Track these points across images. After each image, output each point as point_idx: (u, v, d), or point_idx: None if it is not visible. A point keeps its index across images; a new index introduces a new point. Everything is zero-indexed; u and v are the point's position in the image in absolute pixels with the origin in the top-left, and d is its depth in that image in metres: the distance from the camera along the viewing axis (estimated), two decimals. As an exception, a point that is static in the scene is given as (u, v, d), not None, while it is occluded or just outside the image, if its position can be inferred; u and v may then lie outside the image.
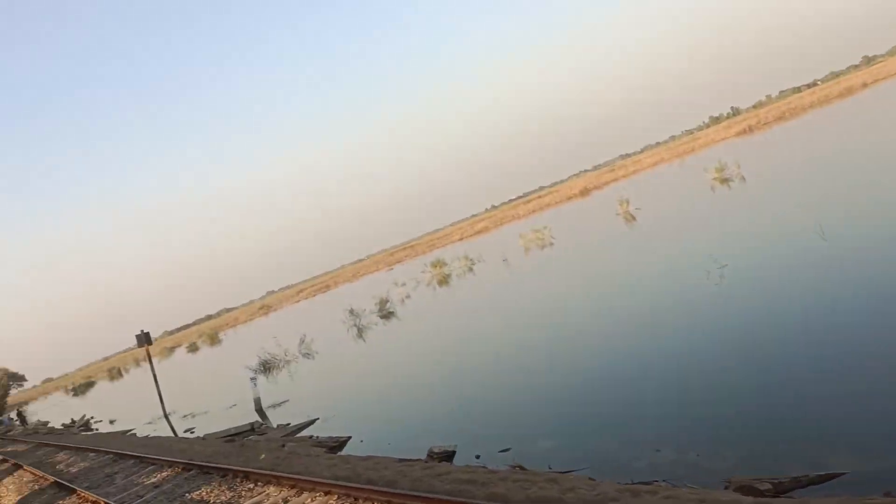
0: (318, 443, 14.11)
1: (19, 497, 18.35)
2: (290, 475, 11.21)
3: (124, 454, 20.41)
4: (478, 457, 10.18)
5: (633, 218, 42.51)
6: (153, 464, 17.60)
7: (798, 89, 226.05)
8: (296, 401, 21.90)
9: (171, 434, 25.67)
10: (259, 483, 12.02)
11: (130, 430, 29.83)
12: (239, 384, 31.35)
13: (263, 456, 13.42)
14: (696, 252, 21.82)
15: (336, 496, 9.74)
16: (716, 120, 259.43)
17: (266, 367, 33.68)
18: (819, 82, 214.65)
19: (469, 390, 15.17)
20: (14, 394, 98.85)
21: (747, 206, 28.69)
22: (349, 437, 14.22)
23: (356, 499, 9.21)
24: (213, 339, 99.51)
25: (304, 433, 16.75)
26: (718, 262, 17.92)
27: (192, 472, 14.88)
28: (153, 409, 32.99)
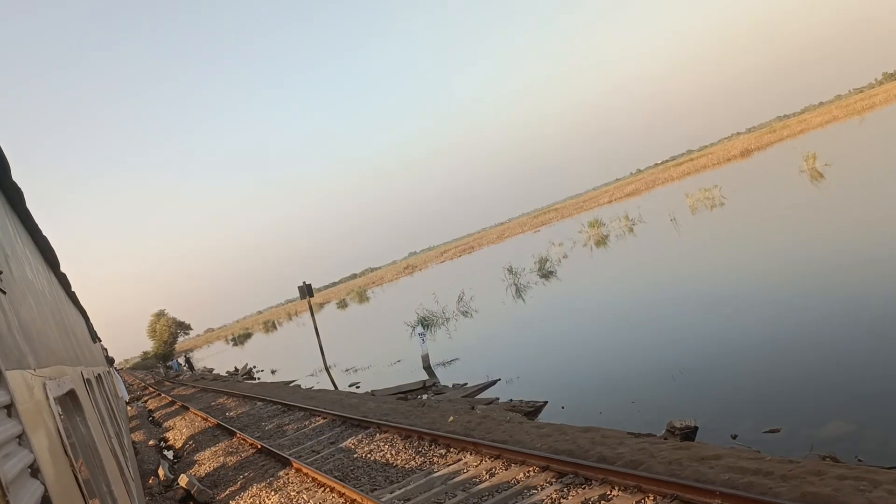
0: (513, 407, 12.63)
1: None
2: (494, 443, 9.74)
3: (293, 405, 19.90)
4: (734, 437, 8.28)
5: (821, 175, 38.29)
6: (323, 417, 16.82)
7: None
8: (466, 360, 20.63)
9: (332, 387, 25.24)
10: (452, 449, 10.65)
11: (293, 381, 29.83)
12: (398, 340, 30.70)
13: (452, 418, 12.08)
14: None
15: (554, 474, 8.14)
16: (890, 76, 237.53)
17: (425, 323, 32.82)
18: None
19: (669, 355, 13.17)
20: (181, 341, 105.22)
21: None
22: (545, 402, 12.65)
23: (588, 480, 7.57)
24: (362, 297, 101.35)
25: (485, 394, 15.36)
26: None
27: (368, 431, 13.83)
28: (313, 361, 33.00)
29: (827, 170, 39.14)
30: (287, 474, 12.72)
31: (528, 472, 8.59)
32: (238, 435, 17.92)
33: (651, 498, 6.69)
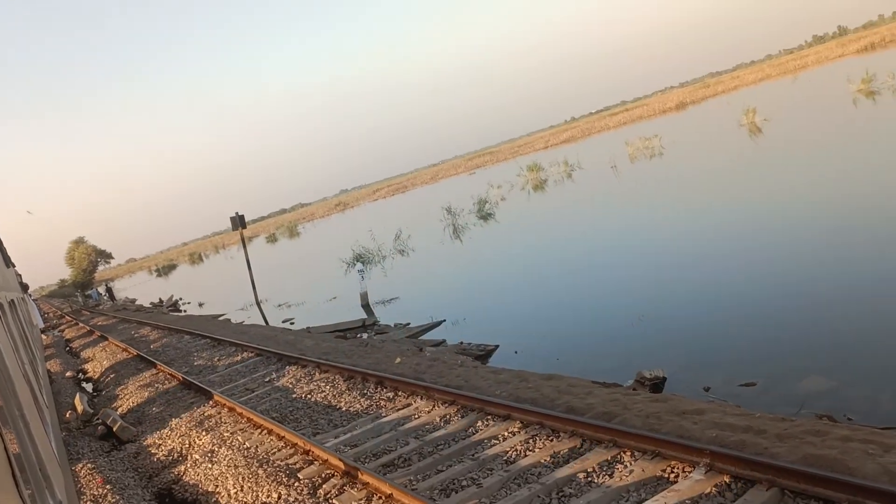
0: (463, 350, 12.06)
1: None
2: (447, 388, 9.16)
3: (223, 340, 18.98)
4: (707, 389, 7.86)
5: (760, 130, 38.59)
6: (257, 353, 16.00)
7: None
8: (407, 299, 20.00)
9: (264, 322, 24.36)
10: (400, 392, 10.04)
11: (222, 315, 28.77)
12: (333, 277, 29.86)
13: (399, 360, 11.45)
14: (847, 170, 18.70)
15: (517, 423, 7.61)
16: (820, 39, 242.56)
17: (360, 261, 31.99)
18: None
19: (626, 302, 12.79)
20: (101, 270, 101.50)
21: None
22: (497, 346, 12.12)
23: (556, 431, 7.05)
24: (293, 232, 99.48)
25: (430, 336, 14.78)
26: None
27: (307, 370, 13.11)
28: (243, 295, 31.91)
29: (765, 125, 39.46)
30: (219, 413, 11.94)
31: (487, 420, 8.05)
32: (164, 369, 16.97)
33: (628, 454, 6.20)
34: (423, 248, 31.53)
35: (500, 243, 27.19)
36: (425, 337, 14.75)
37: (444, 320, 15.48)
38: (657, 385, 8.25)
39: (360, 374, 11.35)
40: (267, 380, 13.52)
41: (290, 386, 12.46)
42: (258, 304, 27.83)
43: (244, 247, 29.00)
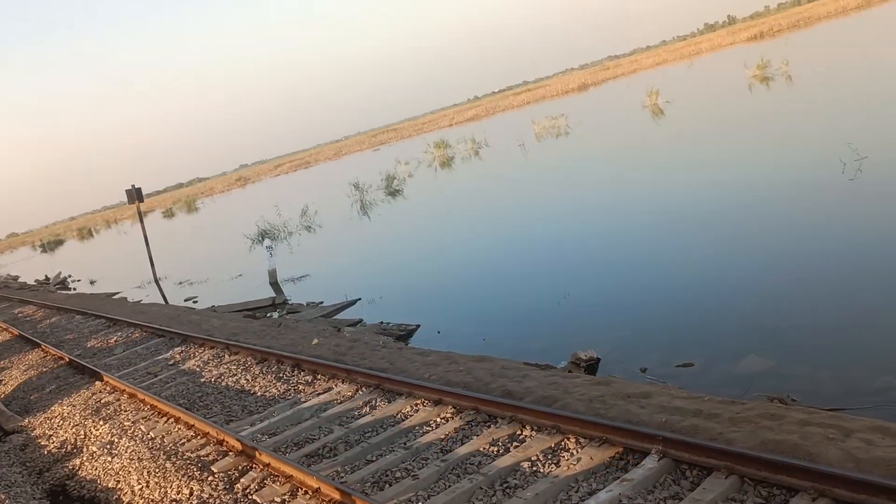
0: (383, 330, 11.57)
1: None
2: (371, 371, 8.68)
3: (120, 320, 17.81)
4: (644, 370, 7.66)
5: (662, 111, 39.47)
6: (158, 335, 15.04)
7: (798, 2, 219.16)
8: (318, 277, 19.30)
9: (163, 301, 23.14)
10: (320, 376, 9.49)
11: (117, 293, 27.22)
12: (237, 253, 28.76)
13: (316, 341, 10.87)
14: (744, 151, 19.26)
15: (450, 409, 7.23)
16: (711, 27, 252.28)
17: (265, 237, 30.93)
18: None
19: (549, 281, 12.60)
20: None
21: (796, 105, 25.60)
22: (417, 326, 11.69)
23: (493, 417, 6.71)
24: (191, 206, 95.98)
25: (345, 315, 14.22)
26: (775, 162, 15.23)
27: (215, 352, 12.34)
28: (139, 272, 30.31)
29: (668, 106, 40.39)
30: (118, 400, 11.06)
31: (417, 405, 7.62)
32: (53, 352, 15.75)
33: (573, 440, 5.91)
34: (331, 224, 30.76)
35: (410, 220, 26.76)
36: (341, 316, 14.18)
37: (360, 299, 14.94)
38: (592, 366, 8.02)
39: (275, 357, 10.72)
40: (171, 363, 12.68)
41: (198, 369, 11.69)
42: (156, 281, 26.43)
43: (141, 221, 27.44)
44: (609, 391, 6.42)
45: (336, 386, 8.97)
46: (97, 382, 12.48)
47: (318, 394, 8.88)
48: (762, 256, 10.40)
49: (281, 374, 10.03)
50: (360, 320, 13.15)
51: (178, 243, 42.41)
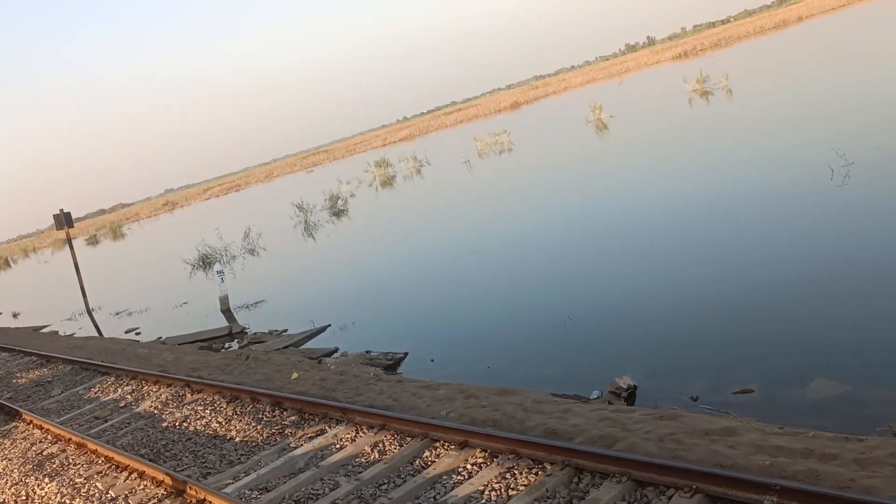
0: (370, 359, 10.42)
1: None
2: (373, 410, 7.57)
3: (55, 357, 16.13)
4: (694, 399, 6.75)
5: (606, 126, 39.36)
6: (103, 372, 13.52)
7: (712, 24, 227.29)
8: (275, 303, 17.96)
9: (98, 333, 21.35)
10: (308, 416, 8.31)
11: (45, 326, 25.16)
12: (178, 280, 27.08)
13: (296, 375, 9.67)
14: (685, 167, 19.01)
15: (482, 452, 6.20)
16: (632, 48, 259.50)
17: (206, 262, 29.26)
18: (732, 19, 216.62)
19: (543, 300, 11.70)
20: None
21: (743, 119, 25.55)
22: (405, 354, 10.58)
23: (540, 462, 5.70)
24: (116, 233, 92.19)
25: (316, 344, 13.00)
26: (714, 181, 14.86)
27: (174, 391, 10.99)
28: (69, 303, 28.24)
29: (612, 121, 40.32)
30: (64, 451, 9.62)
31: (437, 449, 6.56)
32: (-18, 397, 14.04)
33: (651, 490, 4.94)
34: (277, 247, 29.30)
35: (363, 240, 25.59)
36: (311, 345, 12.95)
37: (329, 325, 13.74)
38: (630, 396, 7.10)
39: (249, 394, 9.48)
40: (122, 405, 11.25)
41: (156, 412, 10.33)
42: (89, 312, 24.51)
43: (71, 248, 25.50)
44: (680, 427, 5.50)
45: (330, 428, 7.82)
46: (35, 430, 10.99)
47: (311, 437, 7.72)
48: (786, 264, 9.70)
49: (260, 416, 8.81)
50: (336, 349, 11.97)
51: (108, 271, 40.06)
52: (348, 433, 7.53)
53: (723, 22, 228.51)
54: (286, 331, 14.31)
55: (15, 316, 31.42)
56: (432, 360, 10.07)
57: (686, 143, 24.49)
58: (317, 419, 8.12)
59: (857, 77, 25.94)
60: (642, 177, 20.22)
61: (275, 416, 8.65)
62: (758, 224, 11.95)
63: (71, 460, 9.19)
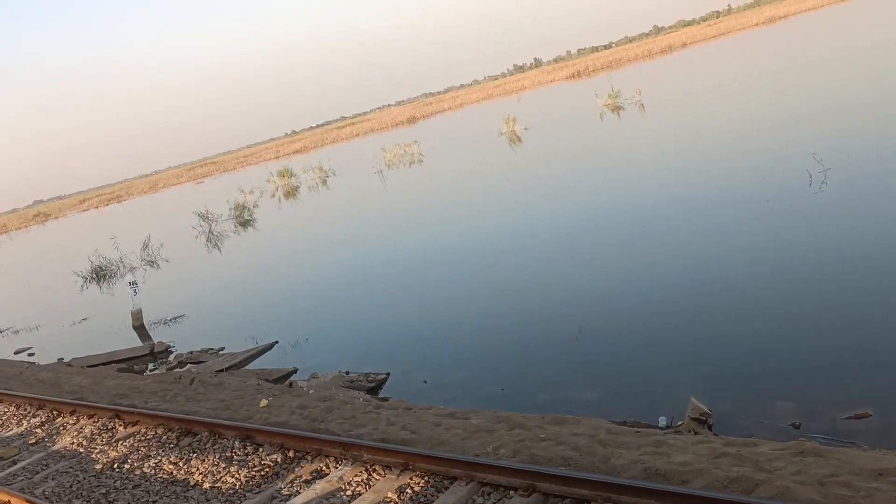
0: (351, 382, 8.88)
1: None
2: (391, 447, 6.16)
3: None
4: (796, 426, 5.69)
5: (519, 139, 38.91)
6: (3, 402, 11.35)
7: (596, 48, 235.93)
8: (197, 317, 16.01)
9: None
10: (296, 454, 6.78)
11: None
12: (67, 294, 24.38)
13: (266, 402, 8.06)
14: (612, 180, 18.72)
15: (556, 499, 4.94)
16: (520, 68, 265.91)
17: (100, 274, 26.60)
18: (614, 45, 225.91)
19: (535, 309, 10.55)
20: None
21: (660, 131, 25.58)
22: (387, 375, 9.13)
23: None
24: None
25: (264, 364, 11.33)
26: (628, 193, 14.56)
27: (101, 423, 9.13)
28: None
29: (525, 133, 39.92)
30: (-35, 504, 7.64)
31: (490, 496, 5.23)
32: None
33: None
34: (181, 258, 26.99)
35: (274, 251, 23.77)
36: (257, 365, 11.27)
37: (277, 342, 12.07)
38: (703, 421, 5.98)
39: (206, 427, 7.80)
40: (31, 442, 9.27)
41: (81, 450, 8.46)
42: (-36, 331, 21.52)
43: (-56, 258, 22.39)
44: (838, 467, 4.40)
45: (330, 468, 6.33)
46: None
47: (308, 482, 6.21)
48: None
49: (228, 454, 7.18)
50: (295, 369, 10.36)
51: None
52: (357, 475, 6.08)
53: (605, 47, 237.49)
54: (223, 349, 12.53)
55: None
56: (425, 382, 8.69)
57: (609, 154, 24.12)
58: (309, 457, 6.61)
59: (753, 93, 26.65)
60: (566, 184, 19.60)
61: (248, 455, 7.05)
62: (724, 221, 11.30)
63: (-25, 516, 7.25)
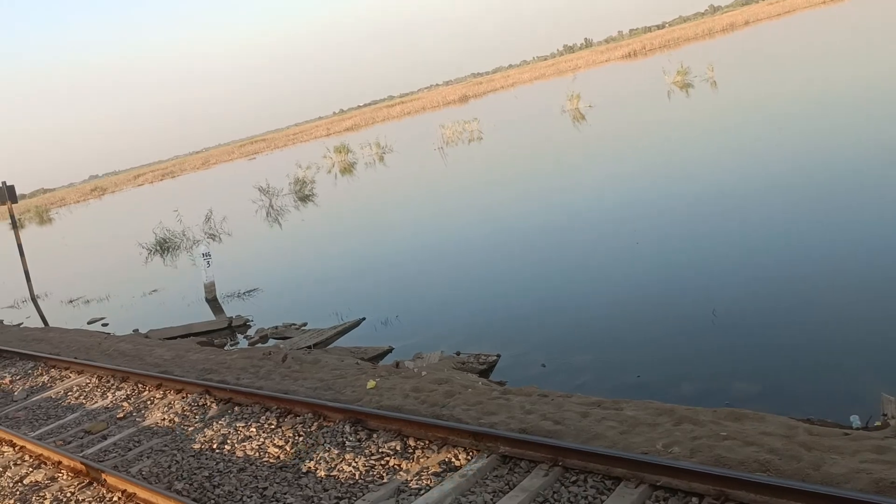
0: (462, 364, 8.23)
1: None
2: (532, 438, 5.46)
3: (6, 351, 13.40)
4: None
5: (583, 116, 37.79)
6: (78, 371, 10.97)
7: (648, 28, 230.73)
8: (271, 291, 15.54)
9: (43, 324, 18.48)
10: (421, 443, 6.13)
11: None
12: (131, 265, 24.29)
13: (373, 383, 7.44)
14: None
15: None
16: (570, 49, 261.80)
17: (164, 246, 26.46)
18: (667, 25, 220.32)
19: (640, 289, 9.76)
20: None
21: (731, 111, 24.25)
22: (497, 357, 8.44)
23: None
24: (43, 218, 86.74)
25: (351, 342, 10.74)
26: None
27: (189, 400, 8.62)
28: (1, 289, 25.11)
29: (590, 111, 38.78)
30: (54, 480, 7.19)
31: None
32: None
33: None
34: (243, 232, 26.67)
35: (341, 225, 23.21)
36: (342, 343, 10.68)
37: (364, 318, 11.47)
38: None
39: (309, 408, 7.21)
40: (119, 415, 8.82)
41: (174, 427, 7.96)
42: (34, 299, 21.44)
43: (15, 227, 22.34)
44: None
45: (461, 460, 5.67)
46: (5, 448, 8.47)
47: (437, 475, 5.55)
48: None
49: (339, 438, 6.56)
50: (391, 348, 9.75)
51: (46, 256, 36.37)
52: (495, 470, 5.41)
53: (658, 27, 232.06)
54: (305, 324, 11.98)
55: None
56: (543, 366, 7.97)
57: (691, 130, 22.97)
58: (434, 447, 5.95)
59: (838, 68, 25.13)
60: (651, 159, 18.60)
61: (362, 441, 6.43)
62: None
63: (68, 495, 6.78)
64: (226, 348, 11.69)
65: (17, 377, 11.81)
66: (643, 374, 7.09)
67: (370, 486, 5.66)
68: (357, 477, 5.83)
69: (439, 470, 5.63)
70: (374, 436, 6.43)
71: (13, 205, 21.60)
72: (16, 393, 10.93)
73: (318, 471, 6.07)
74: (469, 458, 5.68)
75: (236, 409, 7.96)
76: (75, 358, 11.74)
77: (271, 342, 11.41)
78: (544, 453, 5.29)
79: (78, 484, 6.96)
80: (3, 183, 21.47)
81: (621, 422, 5.43)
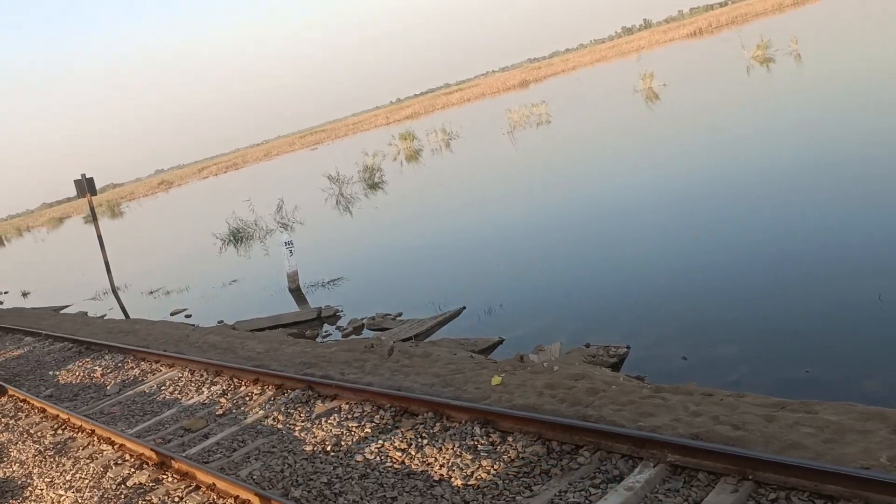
0: (593, 357, 7.54)
1: None
2: (713, 447, 4.71)
3: (97, 344, 13.20)
4: None
5: (657, 96, 36.42)
6: (169, 365, 10.60)
7: (710, 6, 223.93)
8: (356, 280, 15.03)
9: (124, 316, 18.40)
10: (569, 449, 5.44)
11: (65, 307, 22.17)
12: (206, 255, 24.18)
13: (499, 379, 6.77)
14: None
15: None
16: (629, 30, 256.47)
17: (238, 236, 26.33)
18: (730, 2, 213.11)
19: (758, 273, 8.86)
20: None
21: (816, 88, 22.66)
22: (627, 349, 7.69)
23: None
24: (115, 211, 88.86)
25: (446, 332, 10.11)
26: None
27: (291, 396, 8.10)
28: (85, 282, 25.30)
29: (664, 90, 37.37)
30: (159, 482, 6.74)
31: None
32: (15, 394, 11.16)
33: None
34: (315, 220, 26.34)
35: (416, 213, 22.59)
36: (443, 334, 10.06)
37: (464, 307, 10.83)
38: None
39: (430, 406, 6.58)
40: (217, 412, 8.35)
41: (278, 425, 7.44)
42: (115, 291, 21.48)
43: (95, 219, 22.44)
44: None
45: (622, 470, 4.95)
46: (104, 446, 8.09)
47: (595, 486, 4.84)
48: None
49: (469, 441, 5.92)
50: (502, 340, 9.08)
51: (122, 248, 36.83)
52: (667, 482, 4.67)
53: (721, 4, 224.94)
54: (400, 314, 11.40)
55: (24, 295, 28.37)
56: (684, 358, 7.18)
57: (784, 104, 21.59)
58: (586, 453, 5.24)
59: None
60: (748, 133, 17.41)
61: (496, 445, 5.77)
62: None
63: (175, 500, 6.30)
64: (318, 340, 11.19)
65: (108, 370, 11.54)
66: (812, 370, 6.24)
67: (517, 498, 4.99)
68: (500, 486, 5.17)
69: (597, 481, 4.93)
70: (510, 439, 5.77)
71: (92, 197, 21.72)
72: (108, 387, 10.63)
73: (452, 479, 5.43)
74: (630, 467, 4.96)
75: (345, 406, 7.40)
76: (164, 350, 11.40)
77: (366, 333, 10.85)
78: (726, 463, 4.54)
79: (184, 486, 6.49)
80: (83, 175, 21.56)
81: (820, 428, 4.63)
